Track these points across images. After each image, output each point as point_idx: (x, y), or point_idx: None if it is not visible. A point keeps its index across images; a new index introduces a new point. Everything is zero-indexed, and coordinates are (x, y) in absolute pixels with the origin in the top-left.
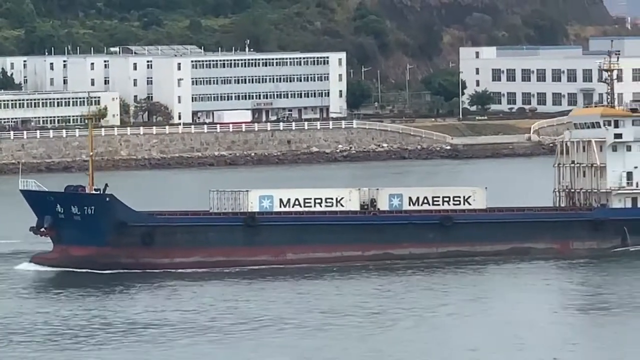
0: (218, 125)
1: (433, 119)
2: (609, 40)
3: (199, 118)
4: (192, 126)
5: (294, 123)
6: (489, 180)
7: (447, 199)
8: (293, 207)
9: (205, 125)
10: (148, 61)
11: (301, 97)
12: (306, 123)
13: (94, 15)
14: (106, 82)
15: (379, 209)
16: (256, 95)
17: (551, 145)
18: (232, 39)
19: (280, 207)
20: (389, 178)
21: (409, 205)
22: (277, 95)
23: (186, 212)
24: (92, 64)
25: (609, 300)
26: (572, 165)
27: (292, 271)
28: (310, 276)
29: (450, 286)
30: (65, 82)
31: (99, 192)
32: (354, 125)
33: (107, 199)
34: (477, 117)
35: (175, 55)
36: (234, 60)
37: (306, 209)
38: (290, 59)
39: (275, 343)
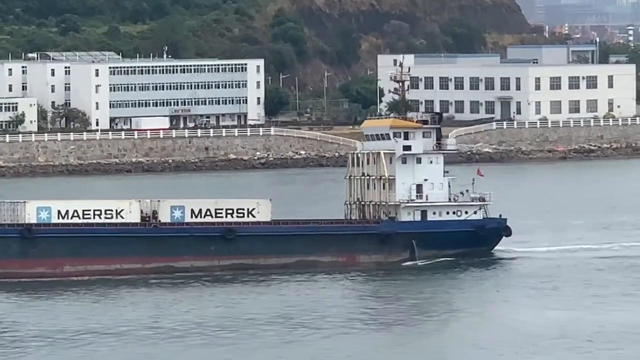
0: (136, 132)
1: (351, 127)
2: (526, 48)
3: (116, 124)
4: (110, 132)
5: (211, 130)
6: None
7: (230, 212)
8: (71, 218)
9: (123, 132)
10: (66, 67)
11: (219, 104)
12: (224, 130)
13: (12, 21)
14: (24, 88)
15: (160, 221)
16: (174, 102)
17: (468, 153)
18: (150, 45)
19: (59, 218)
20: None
21: (191, 217)
22: (195, 102)
23: None
24: (10, 69)
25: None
26: (363, 177)
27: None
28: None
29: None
30: None
31: None
32: (272, 133)
33: None
34: None
35: (93, 62)
36: (152, 66)
37: (85, 221)
38: (208, 65)
39: None
